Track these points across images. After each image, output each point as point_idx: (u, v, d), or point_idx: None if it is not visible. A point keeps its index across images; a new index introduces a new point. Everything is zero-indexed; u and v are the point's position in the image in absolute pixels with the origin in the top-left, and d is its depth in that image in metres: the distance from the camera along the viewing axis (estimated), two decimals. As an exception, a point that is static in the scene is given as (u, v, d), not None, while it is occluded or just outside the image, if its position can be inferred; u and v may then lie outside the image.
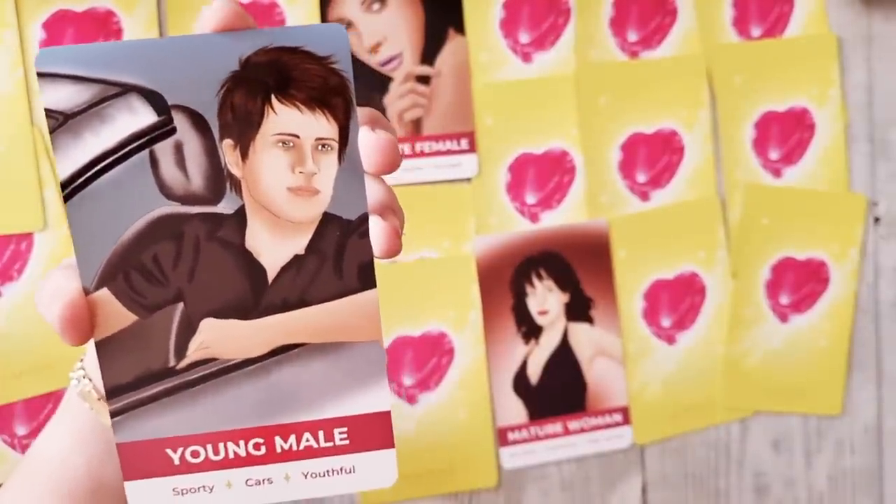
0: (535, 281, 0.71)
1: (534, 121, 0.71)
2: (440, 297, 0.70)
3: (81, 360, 0.38)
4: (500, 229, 0.71)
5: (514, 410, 0.71)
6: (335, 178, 0.30)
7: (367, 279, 0.30)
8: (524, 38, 0.70)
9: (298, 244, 0.30)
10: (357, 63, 0.68)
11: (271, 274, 0.30)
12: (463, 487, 0.71)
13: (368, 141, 0.29)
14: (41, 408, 0.65)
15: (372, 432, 0.31)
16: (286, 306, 0.30)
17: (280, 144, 0.29)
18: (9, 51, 0.63)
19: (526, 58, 0.71)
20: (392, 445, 0.31)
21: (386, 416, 0.31)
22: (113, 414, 0.30)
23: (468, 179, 0.70)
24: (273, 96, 0.29)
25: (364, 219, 0.30)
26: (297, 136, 0.29)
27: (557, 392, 0.72)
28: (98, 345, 0.30)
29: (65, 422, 0.38)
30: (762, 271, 0.74)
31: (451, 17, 0.69)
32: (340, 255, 0.30)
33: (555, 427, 0.72)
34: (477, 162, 0.70)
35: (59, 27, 0.63)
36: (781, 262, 0.74)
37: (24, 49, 0.63)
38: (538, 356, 0.72)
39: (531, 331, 0.72)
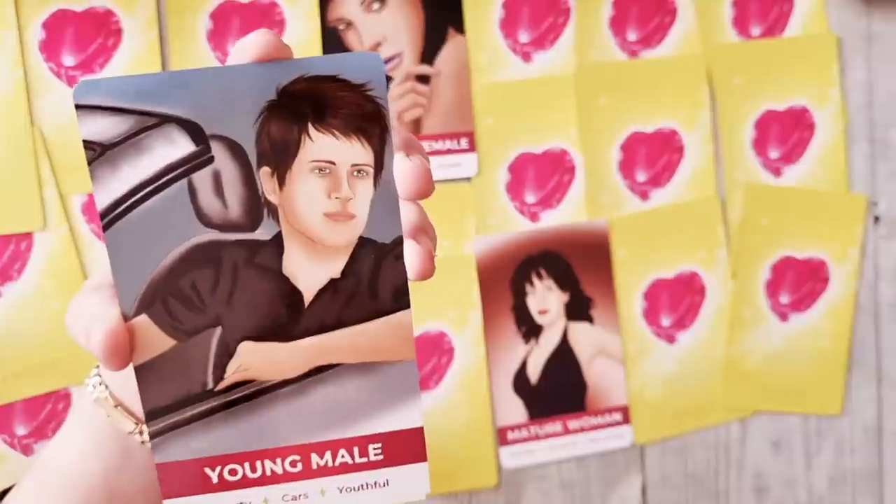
0: (535, 280, 0.71)
1: (534, 120, 0.71)
2: (440, 296, 0.70)
3: (97, 367, 0.38)
4: (500, 229, 0.71)
5: (514, 410, 0.71)
6: (370, 202, 0.30)
7: (401, 300, 0.31)
8: (524, 37, 0.70)
9: (335, 268, 0.31)
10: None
11: (308, 297, 0.31)
12: (463, 487, 0.71)
13: (404, 168, 0.30)
14: (41, 408, 0.65)
15: (405, 447, 0.32)
16: (322, 328, 0.31)
17: (316, 171, 0.30)
18: (9, 51, 0.63)
19: (526, 57, 0.71)
20: (424, 459, 0.32)
21: (419, 431, 0.32)
22: (152, 435, 0.31)
23: (468, 179, 0.70)
24: (310, 124, 0.30)
25: (399, 242, 0.31)
26: (334, 163, 0.30)
27: (557, 392, 0.72)
28: (137, 369, 0.30)
29: (80, 427, 0.37)
30: (762, 271, 0.74)
31: (451, 17, 0.69)
32: (375, 278, 0.31)
33: (555, 427, 0.72)
34: (477, 161, 0.70)
35: (58, 27, 0.63)
36: (781, 262, 0.74)
37: (23, 49, 0.63)
38: (538, 356, 0.72)
39: (531, 330, 0.72)
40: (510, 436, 0.71)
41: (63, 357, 0.64)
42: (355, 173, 0.30)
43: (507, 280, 0.71)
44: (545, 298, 0.72)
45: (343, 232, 0.30)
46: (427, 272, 0.30)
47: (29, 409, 0.64)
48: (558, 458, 0.72)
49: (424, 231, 0.31)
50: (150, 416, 0.30)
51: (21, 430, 0.64)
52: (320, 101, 0.29)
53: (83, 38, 0.64)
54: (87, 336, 0.30)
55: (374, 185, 0.30)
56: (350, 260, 0.31)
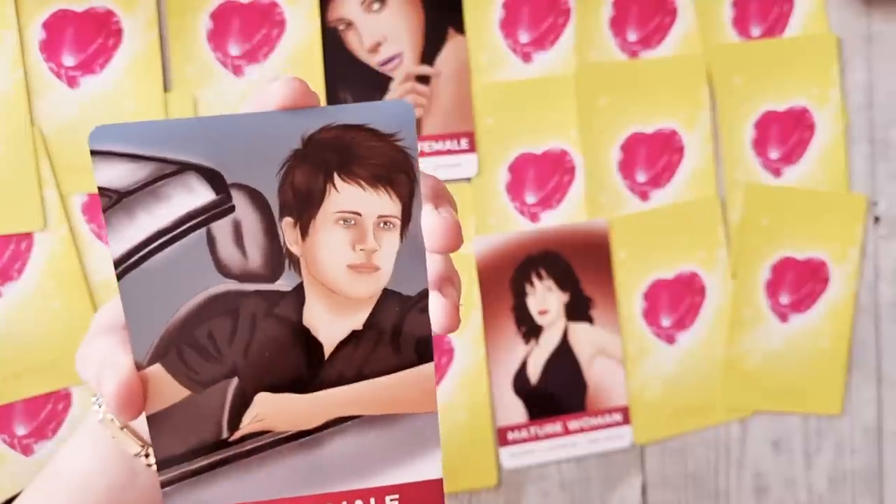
0: (535, 281, 0.71)
1: (534, 121, 0.71)
2: (440, 296, 0.70)
3: None
4: (500, 229, 0.71)
5: (514, 410, 0.71)
6: (396, 254, 0.29)
7: (424, 353, 0.30)
8: (524, 37, 0.70)
9: (357, 320, 0.30)
10: (357, 63, 0.68)
11: (328, 349, 0.30)
12: (463, 487, 0.71)
13: (433, 221, 0.29)
14: (41, 408, 0.65)
15: (423, 498, 0.31)
16: (342, 380, 0.30)
17: (341, 222, 0.29)
18: (9, 51, 0.62)
19: (526, 58, 0.71)
20: None
21: (438, 482, 0.31)
22: (164, 484, 0.30)
23: (468, 179, 0.70)
24: (335, 174, 0.29)
25: (424, 294, 0.30)
26: (359, 214, 0.29)
27: (557, 392, 0.72)
28: (149, 418, 0.29)
29: (87, 443, 0.37)
30: (762, 271, 0.74)
31: (451, 17, 0.69)
32: (398, 331, 0.30)
33: (554, 427, 0.72)
34: (477, 162, 0.70)
35: (59, 27, 0.63)
36: (781, 262, 0.74)
37: (24, 49, 0.63)
38: (538, 356, 0.72)
39: (531, 331, 0.72)
40: (510, 436, 0.71)
41: (63, 357, 0.64)
42: (382, 225, 0.29)
43: (507, 280, 0.71)
44: (545, 298, 0.72)
45: (367, 284, 0.29)
46: (452, 326, 0.29)
47: (29, 409, 0.64)
48: (558, 459, 0.72)
49: (450, 282, 0.30)
50: (163, 464, 0.30)
51: (21, 430, 0.64)
52: (347, 150, 0.28)
53: (83, 38, 0.64)
54: (99, 384, 0.29)
55: (401, 237, 0.29)
56: (373, 312, 0.30)
